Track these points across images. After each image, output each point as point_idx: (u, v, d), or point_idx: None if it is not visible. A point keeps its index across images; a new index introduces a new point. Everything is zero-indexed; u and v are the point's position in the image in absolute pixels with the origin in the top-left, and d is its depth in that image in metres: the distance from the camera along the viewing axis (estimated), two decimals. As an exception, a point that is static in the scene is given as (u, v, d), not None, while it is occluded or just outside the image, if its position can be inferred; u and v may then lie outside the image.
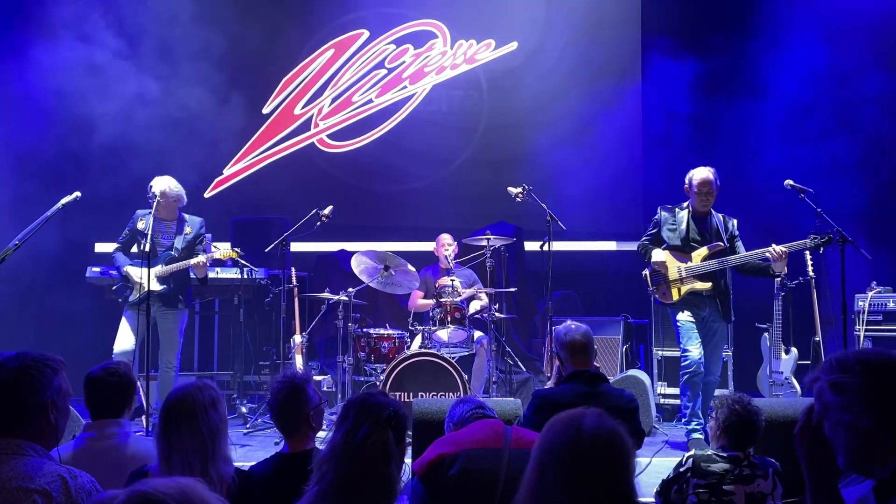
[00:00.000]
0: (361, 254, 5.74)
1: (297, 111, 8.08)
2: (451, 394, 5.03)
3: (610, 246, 7.88)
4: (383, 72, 8.08)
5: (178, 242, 5.23)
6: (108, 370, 2.61)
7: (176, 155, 6.93)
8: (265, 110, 8.03)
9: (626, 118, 7.87)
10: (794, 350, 5.67)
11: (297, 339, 5.75)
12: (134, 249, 5.33)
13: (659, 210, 5.05)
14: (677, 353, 5.87)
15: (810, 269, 5.49)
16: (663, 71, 7.38)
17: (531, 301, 7.37)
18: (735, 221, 4.98)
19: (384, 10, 8.11)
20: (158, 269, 5.07)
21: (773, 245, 4.59)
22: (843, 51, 6.72)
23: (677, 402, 5.84)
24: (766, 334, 5.73)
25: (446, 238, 6.22)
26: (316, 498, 1.90)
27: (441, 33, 8.10)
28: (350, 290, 5.68)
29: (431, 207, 7.81)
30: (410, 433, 3.53)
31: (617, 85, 7.80)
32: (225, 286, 6.36)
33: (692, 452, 2.90)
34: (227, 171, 7.95)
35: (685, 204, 4.96)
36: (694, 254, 4.84)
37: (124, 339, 5.09)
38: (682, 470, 2.85)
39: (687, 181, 4.91)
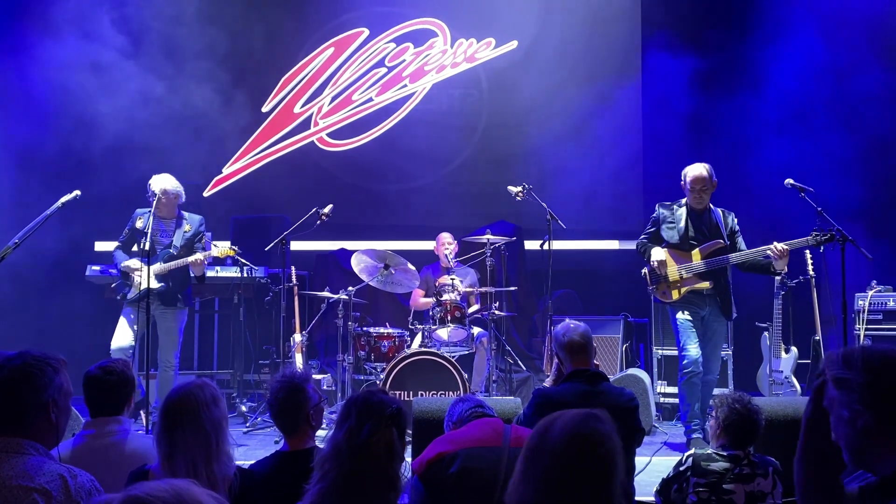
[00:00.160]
0: (361, 252, 5.74)
1: (297, 110, 8.08)
2: (450, 392, 5.03)
3: (610, 245, 7.88)
4: (383, 70, 8.08)
5: (177, 240, 5.22)
6: (107, 369, 2.61)
7: (176, 153, 6.93)
8: (265, 109, 8.03)
9: (625, 115, 7.87)
10: (794, 349, 5.67)
11: (297, 337, 5.75)
12: (134, 248, 5.33)
13: (657, 207, 5.00)
14: (677, 352, 5.89)
15: (810, 267, 5.49)
16: (663, 68, 7.37)
17: (531, 300, 7.37)
18: (734, 216, 4.91)
19: (384, 9, 8.11)
20: (157, 268, 5.07)
21: (775, 243, 4.54)
22: (843, 47, 6.70)
23: (677, 400, 5.84)
24: (766, 333, 5.72)
25: (446, 237, 6.22)
26: (319, 496, 1.90)
27: (441, 32, 8.10)
28: (350, 288, 5.68)
29: (431, 206, 7.81)
30: (410, 432, 3.54)
31: (616, 82, 7.79)
32: (225, 285, 6.36)
33: (692, 451, 2.90)
34: (226, 170, 7.95)
35: (683, 201, 4.89)
36: (693, 252, 4.79)
37: (121, 336, 5.09)
38: (682, 469, 2.85)
39: (682, 178, 4.85)
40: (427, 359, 5.16)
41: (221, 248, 5.30)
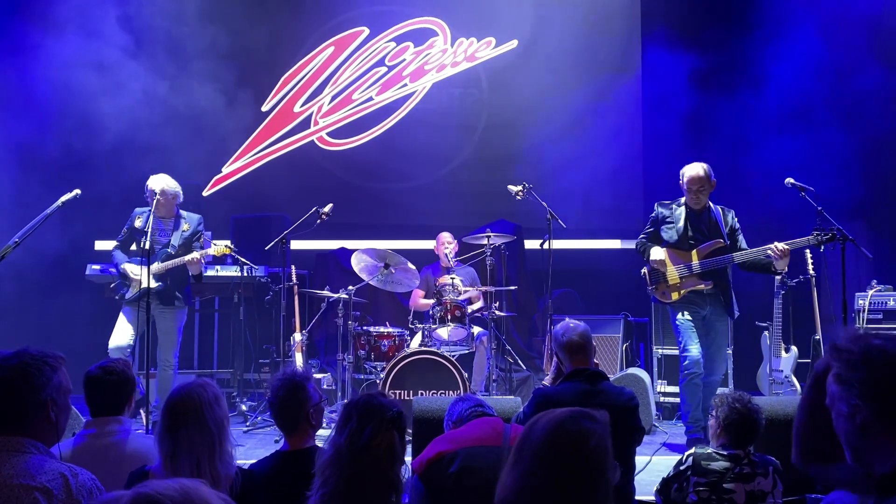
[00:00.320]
0: (361, 252, 5.74)
1: (297, 109, 8.07)
2: (450, 392, 5.03)
3: (610, 244, 7.88)
4: (383, 69, 8.08)
5: (175, 240, 5.21)
6: (107, 369, 2.61)
7: (176, 152, 6.92)
8: (265, 108, 8.02)
9: (625, 114, 7.88)
10: (794, 348, 5.67)
11: (297, 336, 5.75)
12: (133, 248, 5.32)
13: (656, 207, 4.96)
14: (677, 352, 5.88)
15: (810, 267, 5.48)
16: (662, 66, 7.37)
17: (531, 299, 7.37)
18: (734, 213, 4.86)
19: (384, 8, 8.11)
20: (155, 267, 5.07)
21: (776, 243, 4.50)
22: (842, 45, 6.70)
23: (677, 400, 5.83)
24: (766, 333, 5.72)
25: (446, 236, 6.22)
26: (321, 502, 1.89)
27: (441, 31, 8.10)
28: (350, 287, 5.68)
29: (431, 205, 7.80)
30: (410, 431, 3.54)
31: (616, 81, 7.79)
32: (225, 284, 6.36)
33: (692, 451, 2.90)
34: (226, 169, 7.95)
35: (682, 200, 4.84)
36: (693, 252, 4.74)
37: (120, 335, 5.09)
38: (682, 468, 2.86)
39: (680, 178, 4.81)
40: (427, 358, 5.16)
41: (217, 245, 5.28)
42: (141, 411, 4.99)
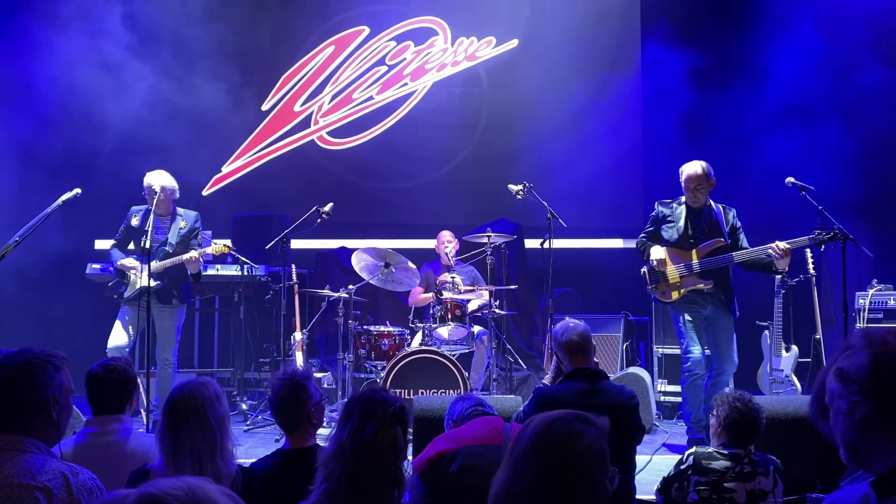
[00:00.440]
0: (362, 251, 5.74)
1: (297, 108, 8.07)
2: (451, 391, 5.03)
3: (610, 243, 7.88)
4: (384, 69, 8.08)
5: (173, 238, 5.17)
6: (108, 367, 2.61)
7: (176, 151, 6.92)
8: (265, 107, 8.02)
9: (625, 113, 7.89)
10: (794, 348, 5.67)
11: (298, 336, 5.75)
12: (130, 246, 5.29)
13: (657, 205, 4.92)
14: (678, 351, 5.88)
15: (811, 266, 5.48)
16: (662, 63, 7.37)
17: (532, 298, 7.37)
18: (735, 212, 4.82)
19: (385, 7, 8.11)
20: (153, 266, 5.03)
21: (777, 242, 4.47)
22: (842, 43, 6.70)
23: (677, 399, 5.83)
24: (766, 332, 5.72)
25: (447, 235, 6.22)
26: (324, 497, 1.89)
27: (442, 30, 8.09)
28: (350, 287, 5.68)
29: (432, 204, 7.81)
30: (411, 430, 3.54)
31: (616, 78, 7.80)
32: (225, 283, 6.36)
33: (693, 450, 2.90)
34: (225, 169, 7.95)
35: (683, 199, 4.81)
36: (693, 251, 4.71)
37: (118, 335, 5.07)
38: (683, 467, 2.86)
39: (680, 176, 4.78)
40: (427, 357, 5.16)
41: (217, 244, 5.26)
42: (141, 410, 4.99)
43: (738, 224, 4.80)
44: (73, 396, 2.09)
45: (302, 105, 8.07)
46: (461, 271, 6.03)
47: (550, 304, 5.26)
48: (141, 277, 5.01)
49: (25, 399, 1.91)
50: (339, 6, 8.11)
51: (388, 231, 7.60)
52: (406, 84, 8.08)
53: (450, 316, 5.47)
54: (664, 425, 5.53)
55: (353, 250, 5.84)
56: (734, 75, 7.52)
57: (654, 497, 3.06)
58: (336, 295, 5.69)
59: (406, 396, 4.99)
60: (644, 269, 4.92)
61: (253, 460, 2.59)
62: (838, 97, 6.68)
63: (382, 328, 5.69)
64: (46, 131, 7.09)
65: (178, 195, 5.26)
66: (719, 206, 4.82)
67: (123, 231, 5.28)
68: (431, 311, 5.62)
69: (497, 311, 5.69)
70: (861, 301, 5.60)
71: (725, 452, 2.81)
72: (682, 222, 4.76)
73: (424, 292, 6.16)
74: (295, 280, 5.92)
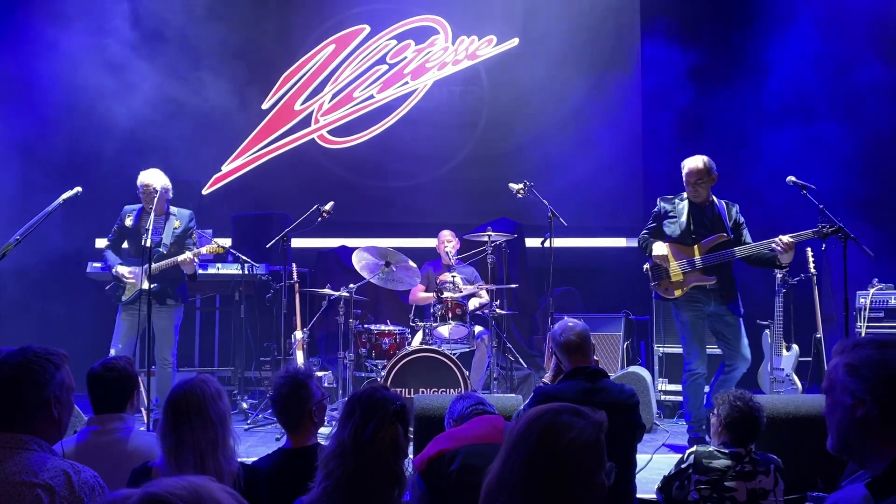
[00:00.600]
0: (362, 250, 5.74)
1: (298, 107, 8.07)
2: (451, 390, 5.03)
3: (611, 242, 7.88)
4: (384, 67, 8.07)
5: (167, 237, 5.12)
6: (107, 366, 2.62)
7: (176, 150, 6.93)
8: (265, 106, 8.02)
9: (625, 112, 7.89)
10: (795, 347, 5.67)
11: (298, 334, 5.75)
12: (125, 246, 5.26)
13: (658, 201, 4.87)
14: (678, 350, 5.87)
15: (812, 265, 5.47)
16: (662, 61, 7.37)
17: (532, 297, 7.37)
18: (738, 207, 4.78)
19: (385, 6, 8.10)
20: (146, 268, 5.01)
21: (780, 236, 4.42)
22: (843, 40, 6.69)
23: (678, 398, 5.83)
24: (767, 331, 5.71)
25: (447, 234, 6.22)
26: (324, 495, 1.89)
27: (442, 29, 8.09)
28: (351, 286, 5.68)
29: (432, 203, 7.80)
30: (411, 429, 3.54)
31: (616, 76, 7.79)
32: (226, 282, 6.36)
33: (694, 448, 2.90)
34: (225, 168, 7.95)
35: (685, 194, 4.76)
36: (696, 247, 4.66)
37: (119, 340, 5.06)
38: (683, 466, 2.86)
39: (681, 170, 4.74)
40: (428, 356, 5.17)
41: (216, 243, 5.23)
42: (142, 409, 4.99)
43: (742, 219, 4.75)
44: (75, 395, 2.09)
45: (302, 104, 8.07)
46: (462, 271, 6.03)
47: (551, 303, 5.26)
48: (141, 281, 4.99)
49: (26, 397, 1.91)
50: (339, 5, 8.11)
51: (389, 230, 7.61)
52: (407, 83, 8.08)
53: (450, 315, 5.47)
54: (665, 424, 5.53)
55: (353, 249, 5.84)
56: (734, 73, 7.51)
57: (654, 496, 3.06)
58: (337, 294, 5.69)
59: (407, 395, 4.99)
60: (646, 266, 4.88)
61: (254, 459, 2.59)
62: (838, 95, 6.67)
63: (383, 327, 5.69)
64: (47, 130, 7.09)
65: (171, 194, 5.21)
66: (722, 201, 4.77)
67: (117, 231, 5.23)
68: (432, 310, 5.62)
69: (498, 310, 5.69)
70: (862, 300, 5.59)
71: (726, 451, 2.81)
72: (684, 218, 4.71)
73: (425, 291, 6.16)
74: (295, 279, 5.92)
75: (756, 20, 7.53)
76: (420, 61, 8.07)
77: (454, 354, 5.24)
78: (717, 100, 7.27)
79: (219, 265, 6.33)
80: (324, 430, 2.64)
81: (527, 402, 3.23)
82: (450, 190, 7.88)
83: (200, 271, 6.28)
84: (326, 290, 5.82)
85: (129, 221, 5.17)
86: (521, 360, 6.41)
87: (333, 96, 8.08)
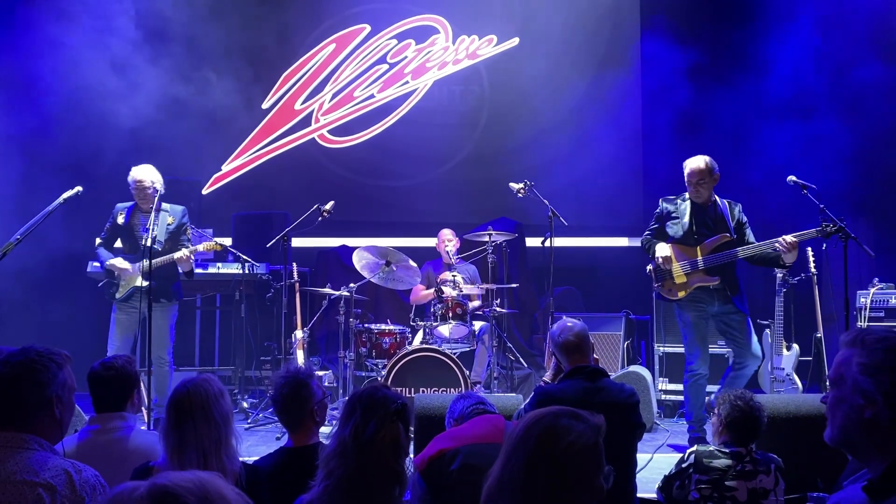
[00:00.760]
0: (363, 249, 5.74)
1: (298, 106, 8.07)
2: (452, 389, 5.03)
3: (611, 242, 7.88)
4: (385, 67, 8.07)
5: (160, 234, 5.06)
6: (107, 365, 2.62)
7: (177, 149, 6.92)
8: (265, 105, 8.02)
9: (625, 111, 7.89)
10: (795, 346, 5.67)
11: (299, 334, 5.75)
12: (118, 244, 5.22)
13: (661, 202, 4.85)
14: (679, 350, 5.88)
15: (812, 265, 5.47)
16: (662, 60, 7.36)
17: (532, 297, 7.38)
18: (741, 207, 4.75)
19: (386, 5, 8.10)
20: (144, 264, 4.98)
21: (784, 236, 4.40)
22: (844, 38, 6.69)
23: (678, 398, 5.84)
24: (767, 331, 5.72)
25: (447, 233, 6.22)
26: (325, 494, 1.89)
27: (443, 28, 8.09)
28: (351, 285, 5.68)
29: (433, 203, 7.81)
30: (412, 428, 3.54)
31: (616, 75, 7.79)
32: (226, 281, 6.36)
33: (695, 448, 2.90)
34: (225, 167, 7.94)
35: (687, 194, 4.74)
36: (699, 247, 4.64)
37: (115, 343, 5.04)
38: (684, 466, 2.86)
39: (683, 170, 4.72)
40: (428, 355, 5.17)
41: (205, 242, 5.19)
42: (143, 409, 4.99)
43: (745, 219, 4.72)
44: (76, 395, 2.09)
45: (302, 103, 8.07)
46: (462, 270, 6.03)
47: (551, 303, 5.26)
48: (134, 277, 4.97)
49: (28, 397, 1.92)
50: (339, 4, 8.11)
51: (389, 229, 7.61)
52: (407, 82, 8.08)
53: (451, 314, 5.47)
54: (665, 424, 5.53)
55: (354, 248, 5.84)
56: (733, 72, 7.50)
57: (655, 495, 3.06)
58: (337, 293, 5.70)
59: (407, 395, 4.99)
60: (650, 267, 4.86)
61: (255, 458, 2.60)
62: (838, 94, 6.66)
63: (383, 326, 5.69)
64: (49, 129, 7.09)
65: (163, 190, 5.15)
66: (725, 201, 4.75)
67: (109, 229, 5.19)
68: (432, 310, 5.62)
69: (498, 309, 5.69)
70: (862, 300, 5.59)
71: (727, 451, 2.82)
72: (686, 218, 4.69)
73: (426, 290, 6.16)
74: (296, 278, 5.92)
75: (756, 18, 7.53)
76: (420, 61, 8.07)
77: (454, 354, 5.24)
78: (717, 98, 7.27)
79: (219, 264, 6.33)
80: (324, 430, 2.64)
81: (527, 401, 3.23)
82: (450, 189, 7.88)
83: (200, 270, 6.30)
84: (327, 290, 5.82)
85: (120, 219, 5.13)
86: (521, 359, 6.41)
87: (334, 96, 8.08)
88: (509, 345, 6.12)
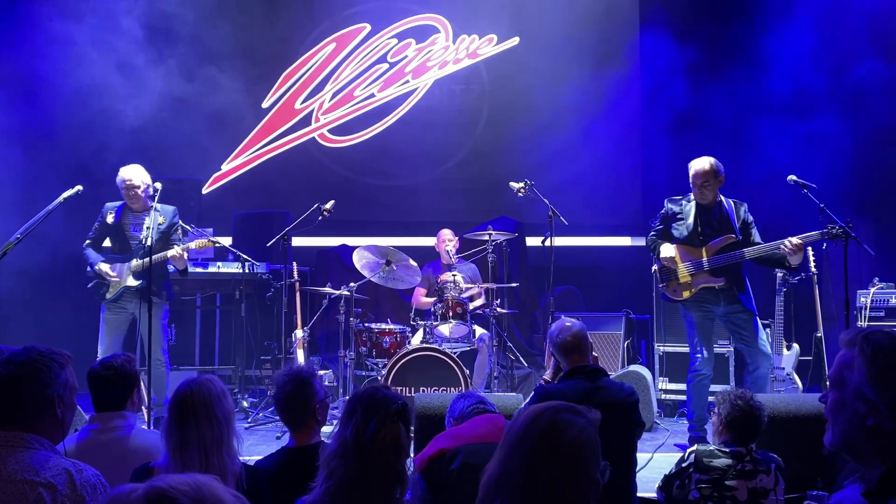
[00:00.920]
0: (363, 248, 5.74)
1: (298, 106, 8.07)
2: (452, 389, 5.03)
3: (611, 241, 7.88)
4: (385, 66, 8.07)
5: (152, 233, 4.98)
6: (106, 365, 2.62)
7: (177, 149, 6.92)
8: (265, 105, 8.02)
9: (624, 108, 7.89)
10: (795, 346, 5.67)
11: (299, 333, 5.75)
12: (106, 243, 5.20)
13: (666, 203, 4.84)
14: (679, 349, 5.89)
15: (812, 264, 5.47)
16: (662, 58, 7.36)
17: (532, 296, 7.38)
18: (746, 207, 4.73)
19: (386, 5, 8.10)
20: (134, 264, 4.97)
21: (789, 238, 4.36)
22: (844, 37, 6.69)
23: (678, 397, 5.84)
24: (767, 330, 5.71)
25: (447, 233, 6.22)
26: (326, 494, 1.89)
27: (443, 28, 8.09)
28: (352, 284, 5.68)
29: (433, 202, 7.81)
30: (412, 428, 3.54)
31: (615, 74, 7.79)
32: (226, 280, 6.36)
33: (695, 447, 2.91)
34: (225, 167, 7.94)
35: (692, 195, 4.73)
36: (704, 248, 4.62)
37: (105, 340, 5.03)
38: (684, 465, 2.86)
39: (689, 171, 4.70)
40: (429, 355, 5.17)
41: (198, 239, 5.15)
42: (143, 408, 4.98)
43: (751, 219, 4.71)
44: (76, 394, 2.09)
45: (303, 103, 8.07)
46: (462, 269, 6.03)
47: (551, 302, 5.26)
48: (125, 278, 4.96)
49: (30, 397, 1.92)
50: (339, 4, 8.11)
51: (390, 229, 7.61)
52: (407, 82, 8.08)
53: (451, 314, 5.47)
54: (665, 423, 5.54)
55: (354, 248, 5.85)
56: (733, 69, 7.50)
57: (655, 495, 3.06)
58: (337, 292, 5.70)
59: (407, 394, 4.99)
60: (655, 268, 4.87)
61: (255, 458, 2.60)
62: (838, 91, 6.66)
63: (383, 326, 5.70)
64: (51, 127, 7.08)
65: (152, 190, 5.08)
66: (731, 201, 4.74)
67: (98, 229, 5.15)
68: (433, 309, 5.62)
69: (498, 308, 5.69)
70: (862, 299, 5.59)
71: (727, 450, 2.82)
72: (691, 219, 4.68)
73: (426, 294, 6.17)
74: (296, 278, 5.92)
75: (755, 16, 7.52)
76: (421, 60, 8.07)
77: (455, 353, 5.24)
78: (716, 96, 7.26)
79: (219, 264, 6.33)
80: (325, 429, 2.65)
81: (527, 400, 3.23)
82: (450, 189, 7.89)
83: (200, 270, 6.30)
84: (327, 289, 5.82)
85: (110, 219, 5.10)
86: (521, 358, 6.41)
87: (334, 95, 8.08)
88: (509, 344, 6.12)
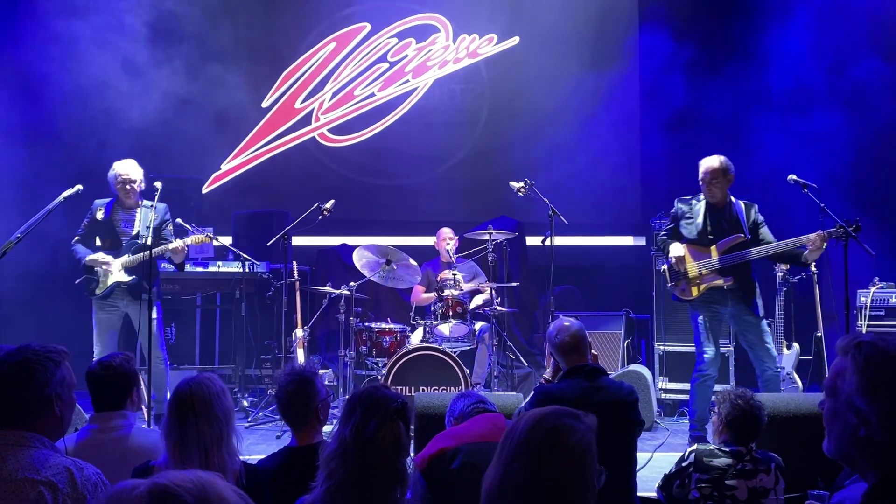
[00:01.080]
0: (363, 248, 5.74)
1: (298, 105, 8.07)
2: (452, 388, 5.03)
3: (611, 241, 7.89)
4: (385, 65, 8.07)
5: (143, 230, 5.01)
6: (104, 364, 2.62)
7: (177, 148, 6.92)
8: (265, 104, 8.02)
9: (625, 107, 7.89)
10: (795, 345, 5.67)
11: (299, 332, 5.75)
12: (98, 242, 5.16)
13: (675, 202, 4.84)
14: (679, 348, 5.90)
15: (812, 264, 5.47)
16: (661, 56, 7.36)
17: (532, 295, 7.38)
18: (757, 207, 4.72)
19: (386, 4, 8.10)
20: (125, 260, 4.93)
21: (814, 233, 4.33)
22: (845, 35, 6.68)
23: (678, 396, 5.84)
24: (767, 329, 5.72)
25: (447, 232, 6.22)
26: (326, 495, 1.89)
27: (443, 27, 8.09)
28: (352, 284, 5.68)
29: (433, 202, 7.81)
30: (412, 427, 3.54)
31: (615, 73, 7.79)
32: (227, 280, 6.36)
33: (695, 447, 2.90)
34: (225, 166, 7.94)
35: (702, 195, 4.72)
36: (713, 248, 4.61)
37: (99, 339, 5.02)
38: (684, 465, 2.86)
39: (698, 169, 4.70)
40: (429, 354, 5.17)
41: (196, 234, 5.14)
42: (143, 406, 4.98)
43: (761, 219, 4.69)
44: (77, 394, 2.09)
45: (303, 102, 8.07)
46: (462, 267, 6.03)
47: (551, 302, 5.26)
48: (112, 273, 4.93)
49: (27, 397, 1.91)
50: (339, 3, 8.11)
51: (390, 228, 7.61)
52: (407, 81, 8.07)
53: (451, 313, 5.47)
54: (665, 423, 5.54)
55: (354, 247, 5.85)
56: (733, 67, 7.50)
57: (655, 494, 3.06)
58: (337, 292, 5.69)
59: (407, 393, 4.99)
60: (664, 267, 4.86)
61: (255, 457, 2.60)
62: (838, 89, 6.65)
63: (383, 325, 5.70)
64: (51, 126, 7.08)
65: (143, 186, 5.09)
66: (741, 202, 4.73)
67: (87, 226, 5.11)
68: (433, 308, 5.62)
69: (498, 308, 5.69)
70: (862, 299, 5.59)
71: (727, 450, 2.82)
72: (700, 219, 4.68)
73: (426, 292, 6.17)
74: (296, 277, 5.93)
75: (754, 14, 7.52)
76: (421, 59, 8.07)
77: (455, 352, 5.24)
78: (715, 93, 7.26)
79: (220, 263, 6.33)
80: (325, 429, 2.64)
81: (527, 400, 3.23)
82: (450, 188, 7.89)
83: (201, 269, 6.30)
84: (327, 288, 5.82)
85: (100, 215, 5.06)
86: (521, 358, 6.41)
87: (334, 94, 8.07)
88: (509, 343, 6.12)
